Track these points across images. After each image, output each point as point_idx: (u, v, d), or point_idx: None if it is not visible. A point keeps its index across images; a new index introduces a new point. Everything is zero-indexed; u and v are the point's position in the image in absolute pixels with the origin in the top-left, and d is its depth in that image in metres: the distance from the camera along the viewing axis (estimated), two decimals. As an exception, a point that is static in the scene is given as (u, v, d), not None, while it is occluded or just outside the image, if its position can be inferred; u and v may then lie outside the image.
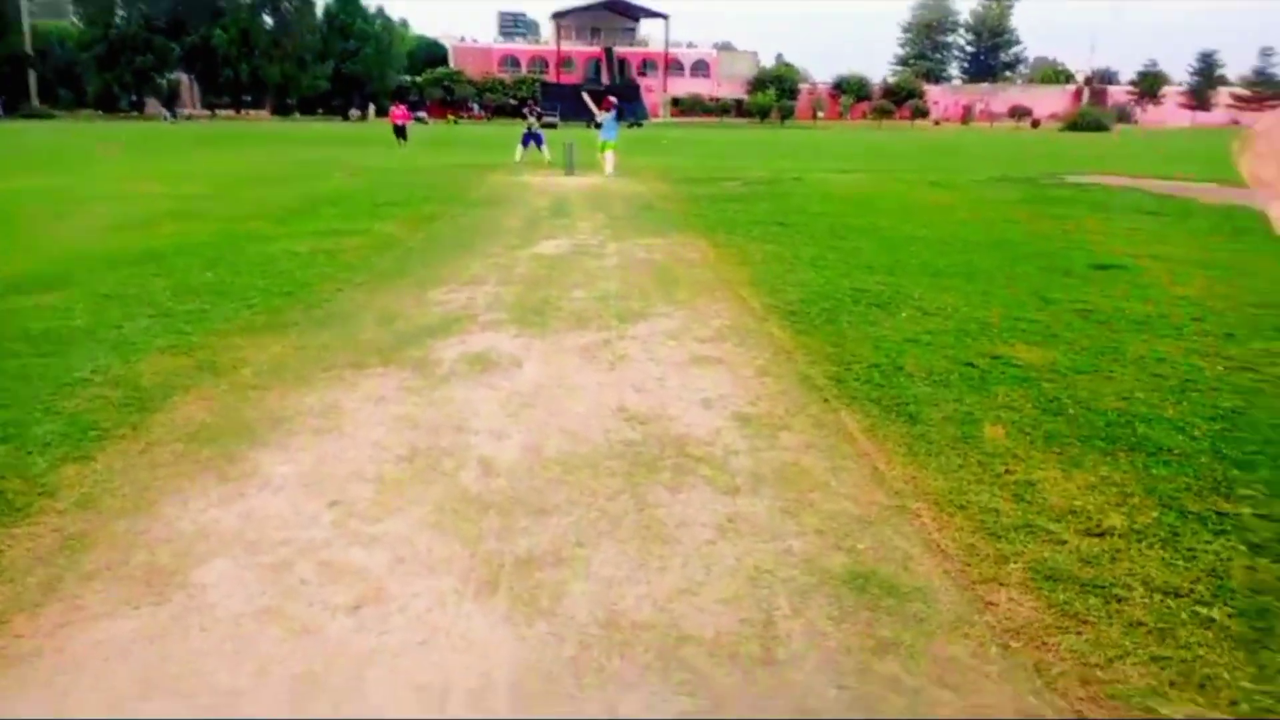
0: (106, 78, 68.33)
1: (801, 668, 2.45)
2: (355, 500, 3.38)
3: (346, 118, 71.36)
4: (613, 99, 20.89)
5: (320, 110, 73.57)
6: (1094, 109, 70.72)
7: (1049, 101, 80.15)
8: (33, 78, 66.62)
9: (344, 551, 3.01)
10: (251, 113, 71.14)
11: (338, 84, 72.61)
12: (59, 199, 13.67)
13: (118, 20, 68.61)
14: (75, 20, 73.20)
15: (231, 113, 72.41)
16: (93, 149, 28.70)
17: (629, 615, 2.68)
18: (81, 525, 3.12)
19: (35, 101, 65.49)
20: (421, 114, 63.67)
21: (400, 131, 33.11)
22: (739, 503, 3.43)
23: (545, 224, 11.63)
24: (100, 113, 68.49)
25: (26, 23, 66.73)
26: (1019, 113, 78.48)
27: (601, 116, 19.71)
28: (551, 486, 3.55)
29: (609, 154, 18.86)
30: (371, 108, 71.38)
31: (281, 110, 72.90)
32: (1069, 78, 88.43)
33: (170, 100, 69.83)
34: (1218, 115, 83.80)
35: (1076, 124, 62.00)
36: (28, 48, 65.76)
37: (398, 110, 35.05)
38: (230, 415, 4.22)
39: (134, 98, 71.78)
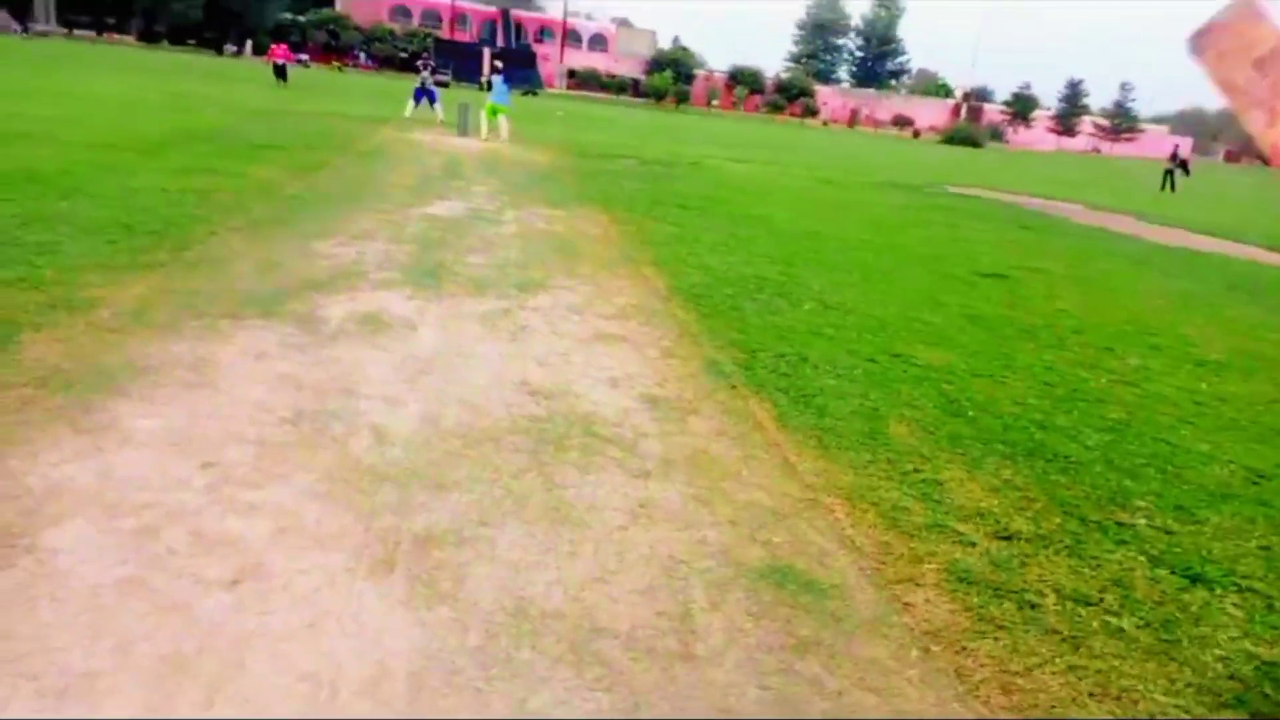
0: (-53, -21, 61.71)
1: (721, 665, 2.33)
2: (232, 464, 3.04)
3: (220, 52, 66.99)
4: (498, 62, 20.37)
5: (192, 41, 68.75)
6: (971, 125, 74.25)
7: (929, 113, 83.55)
8: None
9: (219, 520, 2.69)
10: (114, 36, 65.80)
11: (212, 15, 67.90)
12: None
13: (-37, -84, 62.00)
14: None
15: (92, 34, 66.74)
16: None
17: (538, 603, 2.49)
18: (-100, 476, 2.68)
19: None
20: (304, 57, 60.48)
21: (280, 72, 31.29)
22: (651, 488, 3.29)
23: (439, 184, 11.14)
24: (-63, 16, 61.79)
25: None
26: (901, 121, 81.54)
27: (488, 77, 19.09)
28: (451, 460, 3.31)
29: (502, 119, 18.30)
30: (249, 44, 67.29)
31: (148, 37, 67.69)
32: (949, 92, 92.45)
33: (22, 12, 63.75)
34: (1080, 141, 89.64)
35: (954, 138, 64.93)
36: None
37: (278, 48, 33.07)
38: (86, 360, 3.76)
39: (-21, 5, 65.13)
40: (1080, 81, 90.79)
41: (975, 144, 63.59)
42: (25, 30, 56.93)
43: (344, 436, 3.39)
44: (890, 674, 2.37)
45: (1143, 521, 3.41)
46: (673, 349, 5.08)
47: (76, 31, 66.28)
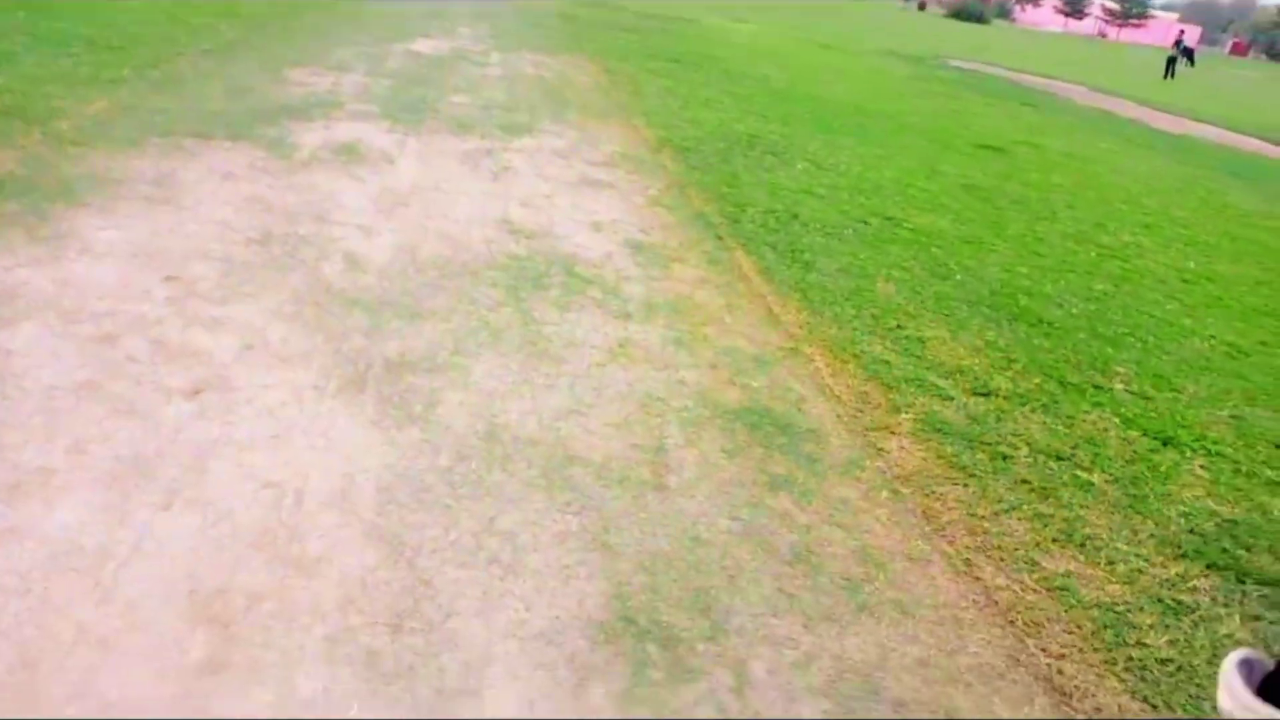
0: None
1: (693, 497, 2.31)
2: (196, 278, 2.93)
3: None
4: None
5: None
6: (977, 1, 71.35)
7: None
8: None
9: (181, 332, 2.60)
10: None
11: None
12: None
13: None
14: None
15: None
16: None
17: (511, 430, 2.45)
18: None
19: None
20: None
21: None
22: (631, 328, 3.22)
23: (420, 21, 10.58)
24: None
25: None
26: (907, -7, 78.23)
27: None
28: (427, 290, 3.21)
29: None
30: None
31: None
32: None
33: None
34: (1088, 25, 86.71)
35: (960, 13, 62.44)
36: None
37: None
38: (44, 169, 3.57)
39: None
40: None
41: (981, 20, 61.25)
42: None
43: (315, 261, 3.27)
44: (859, 512, 2.36)
45: (1120, 386, 3.40)
46: (659, 198, 4.92)
47: None
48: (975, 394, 3.13)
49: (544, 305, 3.27)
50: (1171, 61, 29.89)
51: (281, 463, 2.12)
